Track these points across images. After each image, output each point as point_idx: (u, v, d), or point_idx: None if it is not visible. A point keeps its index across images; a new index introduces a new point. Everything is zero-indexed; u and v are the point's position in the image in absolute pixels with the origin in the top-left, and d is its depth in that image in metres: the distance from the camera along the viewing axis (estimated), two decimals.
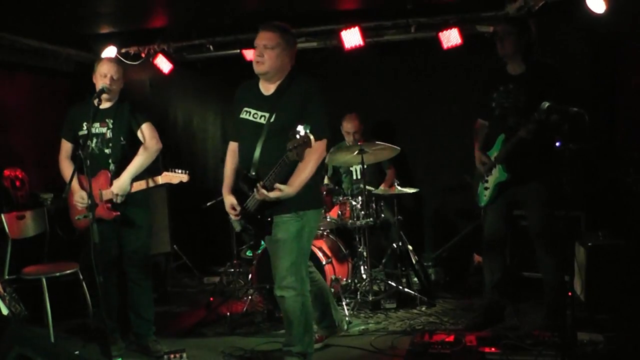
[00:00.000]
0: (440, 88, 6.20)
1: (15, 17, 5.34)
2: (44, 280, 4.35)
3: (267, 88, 3.55)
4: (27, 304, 4.44)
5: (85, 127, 4.02)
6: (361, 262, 5.29)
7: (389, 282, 5.20)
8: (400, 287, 5.10)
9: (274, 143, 3.36)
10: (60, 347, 4.07)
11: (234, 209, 3.54)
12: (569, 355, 3.22)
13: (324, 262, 4.86)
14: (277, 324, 4.58)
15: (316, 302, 3.92)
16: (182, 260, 6.53)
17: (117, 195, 3.99)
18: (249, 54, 5.77)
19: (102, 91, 3.84)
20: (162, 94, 7.05)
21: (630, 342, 3.78)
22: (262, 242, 3.76)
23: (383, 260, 5.60)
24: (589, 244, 4.45)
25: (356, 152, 4.95)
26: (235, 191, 3.58)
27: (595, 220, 4.93)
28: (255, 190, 3.35)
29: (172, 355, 3.99)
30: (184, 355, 3.99)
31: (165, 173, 4.12)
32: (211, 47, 6.41)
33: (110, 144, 4.05)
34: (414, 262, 5.30)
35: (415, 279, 5.38)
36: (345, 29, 5.89)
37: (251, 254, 5.21)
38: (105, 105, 4.03)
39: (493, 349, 3.62)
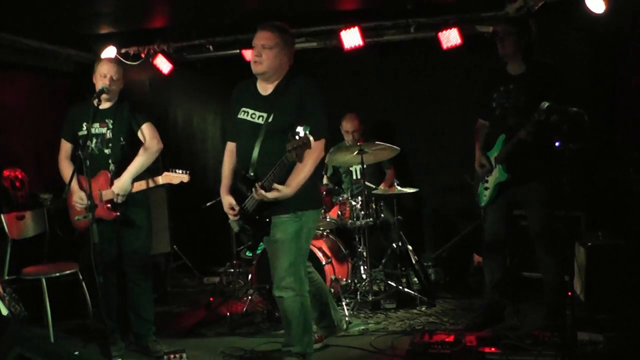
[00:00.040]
0: (440, 88, 6.20)
1: (15, 17, 5.34)
2: (43, 280, 4.36)
3: (265, 88, 3.54)
4: (26, 304, 4.44)
5: (85, 128, 4.02)
6: (361, 262, 5.29)
7: (389, 282, 5.21)
8: (400, 287, 5.09)
9: (273, 143, 3.36)
10: (60, 347, 4.06)
11: (232, 209, 3.53)
12: (569, 355, 3.22)
13: (323, 262, 4.86)
14: (276, 324, 4.58)
15: (315, 302, 3.92)
16: (182, 260, 6.53)
17: (117, 195, 3.98)
18: (248, 54, 5.76)
19: (102, 91, 3.83)
20: (161, 94, 7.05)
21: (630, 342, 3.78)
22: (261, 243, 3.75)
23: (383, 261, 5.60)
24: (589, 244, 4.45)
25: (356, 152, 4.95)
26: (233, 192, 3.57)
27: (595, 220, 4.93)
28: (253, 190, 3.35)
29: (172, 356, 3.99)
30: (184, 355, 3.99)
31: (165, 173, 4.12)
32: (211, 47, 6.42)
33: (110, 144, 4.05)
34: (413, 262, 5.29)
35: (415, 279, 5.38)
36: (345, 29, 5.89)
37: (251, 255, 5.21)
38: (105, 105, 4.03)
39: (493, 349, 3.62)
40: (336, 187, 5.66)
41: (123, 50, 6.47)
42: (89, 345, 4.39)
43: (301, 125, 3.12)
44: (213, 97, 6.94)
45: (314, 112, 3.39)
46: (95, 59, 4.40)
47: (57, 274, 4.45)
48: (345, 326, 4.46)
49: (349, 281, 5.21)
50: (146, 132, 4.08)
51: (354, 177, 5.81)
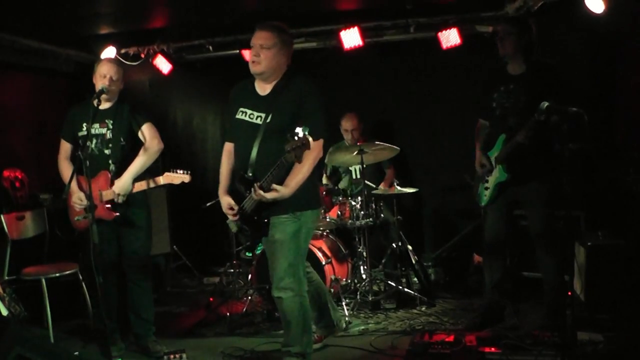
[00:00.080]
0: (440, 88, 6.21)
1: (15, 17, 5.34)
2: (43, 280, 4.36)
3: (263, 88, 3.53)
4: (26, 304, 4.44)
5: (84, 128, 4.02)
6: (361, 262, 5.29)
7: (389, 282, 5.21)
8: (400, 287, 5.10)
9: (271, 143, 3.35)
10: (60, 347, 4.07)
11: (231, 209, 3.53)
12: (568, 355, 3.21)
13: (323, 263, 4.86)
14: (276, 324, 4.58)
15: (314, 302, 3.91)
16: (181, 260, 6.53)
17: (118, 195, 3.98)
18: (248, 55, 5.75)
19: (102, 92, 3.83)
20: (161, 95, 7.05)
21: (630, 342, 3.78)
22: (260, 245, 3.74)
23: (383, 261, 5.60)
24: (589, 244, 4.45)
25: (356, 153, 4.95)
26: (231, 192, 3.57)
27: (595, 220, 4.93)
28: (252, 190, 3.34)
29: (172, 356, 3.99)
30: (184, 355, 3.99)
31: (167, 173, 4.11)
32: (211, 48, 6.42)
33: (110, 145, 4.04)
34: (413, 262, 5.29)
35: (415, 279, 5.38)
36: (345, 29, 5.89)
37: (250, 255, 5.20)
38: (104, 105, 4.03)
39: (493, 349, 3.62)
40: (336, 187, 5.66)
41: (123, 51, 6.46)
42: (89, 345, 4.40)
43: (300, 126, 3.11)
44: (213, 98, 6.94)
45: (313, 112, 3.39)
46: (95, 59, 4.40)
47: (57, 275, 4.45)
48: (344, 325, 4.47)
49: (349, 281, 5.21)
50: (146, 132, 4.08)
51: (354, 176, 5.82)
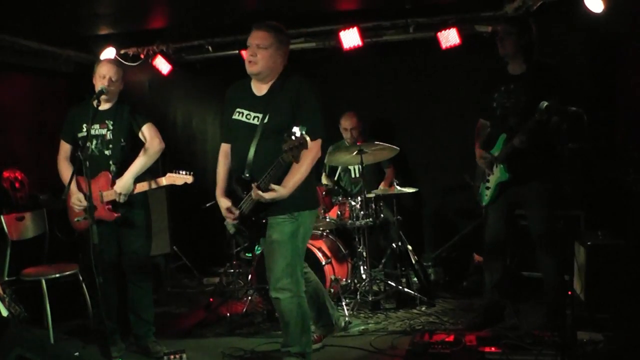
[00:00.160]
0: (440, 88, 6.21)
1: (15, 18, 5.34)
2: (43, 281, 4.35)
3: (260, 88, 3.52)
4: (27, 305, 4.44)
5: (84, 129, 4.02)
6: (361, 262, 5.29)
7: (389, 282, 5.21)
8: (400, 287, 5.10)
9: (268, 144, 3.35)
10: (60, 348, 4.08)
11: (230, 211, 3.52)
12: (568, 355, 3.22)
13: (323, 263, 4.86)
14: (276, 324, 4.56)
15: (312, 302, 3.91)
16: (181, 261, 6.53)
17: (120, 194, 3.98)
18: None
19: (101, 92, 3.82)
20: (161, 95, 7.05)
21: (630, 342, 3.78)
22: (258, 245, 3.74)
23: (383, 261, 5.60)
24: (589, 244, 4.45)
25: (355, 153, 4.95)
26: (229, 193, 3.56)
27: (595, 220, 4.93)
28: (250, 191, 3.33)
29: (172, 356, 3.99)
30: (184, 356, 3.99)
31: (169, 174, 4.10)
32: (210, 48, 6.42)
33: (111, 146, 4.04)
34: (413, 262, 5.29)
35: (415, 279, 5.38)
36: (344, 29, 5.89)
37: (250, 255, 5.21)
38: (104, 106, 4.03)
39: (493, 349, 3.62)
40: (335, 187, 5.66)
41: (122, 51, 6.46)
42: (89, 346, 4.39)
43: (297, 126, 3.11)
44: (212, 98, 6.94)
45: (310, 112, 3.38)
46: (94, 59, 4.41)
47: (57, 275, 4.45)
48: (343, 324, 4.46)
49: (349, 281, 5.21)
50: (147, 132, 4.08)
51: (353, 175, 5.82)
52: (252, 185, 3.30)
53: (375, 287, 5.25)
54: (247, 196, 3.40)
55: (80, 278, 4.56)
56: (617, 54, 5.23)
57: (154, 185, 4.12)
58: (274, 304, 3.57)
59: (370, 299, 4.97)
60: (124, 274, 4.20)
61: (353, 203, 5.15)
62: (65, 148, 4.17)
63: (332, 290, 4.89)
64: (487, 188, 4.28)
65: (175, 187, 4.16)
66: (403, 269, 5.28)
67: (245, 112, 3.50)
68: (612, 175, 4.99)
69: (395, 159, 5.49)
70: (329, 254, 5.02)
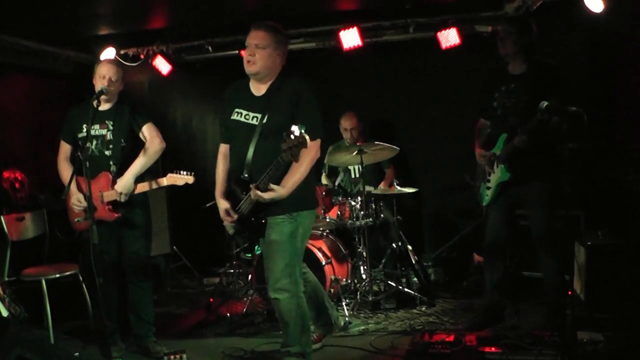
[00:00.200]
0: (440, 88, 6.21)
1: (14, 19, 5.34)
2: (43, 281, 4.35)
3: (258, 88, 3.52)
4: (27, 305, 4.44)
5: (84, 129, 4.02)
6: (361, 263, 5.29)
7: (389, 282, 5.21)
8: (400, 287, 5.10)
9: (267, 144, 3.34)
10: (60, 348, 4.08)
11: (228, 214, 3.52)
12: (568, 355, 3.21)
13: (323, 263, 4.86)
14: (276, 324, 4.55)
15: (311, 302, 3.90)
16: (181, 261, 6.53)
17: (121, 193, 3.98)
18: None
19: (101, 92, 3.82)
20: (161, 96, 7.06)
21: (630, 342, 3.78)
22: (257, 246, 3.73)
23: (383, 261, 5.60)
24: (589, 244, 4.45)
25: (355, 152, 4.95)
26: (228, 194, 3.56)
27: (595, 220, 4.93)
28: (251, 190, 3.32)
29: (172, 356, 3.98)
30: (184, 356, 3.98)
31: (170, 175, 4.10)
32: (210, 48, 6.42)
33: (111, 146, 4.04)
34: (413, 262, 5.29)
35: (415, 279, 5.38)
36: (344, 29, 5.89)
37: (250, 255, 5.21)
38: (104, 106, 4.03)
39: (493, 349, 3.62)
40: (335, 187, 5.66)
41: (122, 52, 6.47)
42: (89, 346, 4.39)
43: (296, 125, 3.10)
44: (212, 98, 6.92)
45: (309, 112, 3.37)
46: (94, 60, 4.41)
47: (57, 275, 4.45)
48: (342, 323, 4.46)
49: (349, 281, 5.21)
50: (147, 132, 4.08)
51: (353, 175, 5.82)
52: (251, 186, 3.30)
53: (375, 287, 5.25)
54: (246, 197, 3.40)
55: (81, 278, 4.56)
56: (617, 54, 5.23)
57: (154, 186, 4.12)
58: (273, 304, 3.56)
59: (370, 299, 4.97)
60: (124, 274, 4.20)
61: (353, 203, 5.15)
62: (65, 148, 4.17)
63: (332, 290, 4.89)
64: (488, 188, 4.28)
65: (175, 187, 4.16)
66: (403, 269, 5.28)
67: (244, 112, 3.49)
68: (612, 175, 4.99)
69: (395, 159, 5.49)
70: (329, 254, 5.02)
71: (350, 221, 5.16)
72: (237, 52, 6.21)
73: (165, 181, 4.10)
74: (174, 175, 4.10)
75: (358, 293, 5.06)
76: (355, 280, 5.23)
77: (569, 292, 3.44)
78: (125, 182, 3.99)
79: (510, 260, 4.78)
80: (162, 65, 6.50)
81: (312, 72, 5.67)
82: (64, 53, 6.37)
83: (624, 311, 4.17)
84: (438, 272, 5.81)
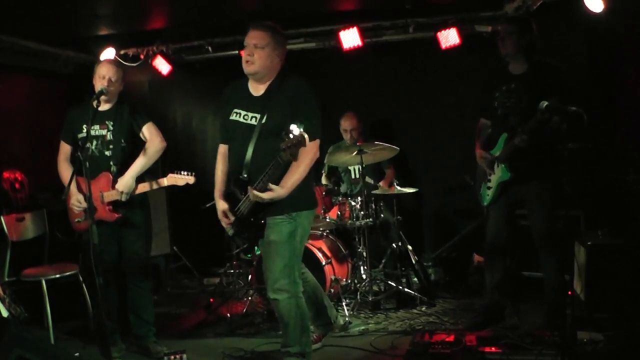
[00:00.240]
0: (440, 88, 6.21)
1: (14, 19, 5.34)
2: (43, 282, 4.35)
3: (257, 89, 3.51)
4: (27, 305, 4.44)
5: (84, 129, 4.02)
6: (361, 263, 5.29)
7: (389, 282, 5.21)
8: (400, 287, 5.09)
9: (266, 144, 3.34)
10: (60, 348, 4.08)
11: (225, 215, 3.51)
12: (569, 355, 3.21)
13: (323, 263, 4.86)
14: (276, 324, 4.55)
15: (310, 302, 3.90)
16: (181, 261, 6.52)
17: (122, 193, 3.98)
18: None
19: (101, 93, 3.83)
20: (161, 96, 7.05)
21: (630, 342, 3.78)
22: (257, 247, 3.73)
23: (383, 261, 5.60)
24: (589, 244, 4.45)
25: (355, 153, 4.95)
26: (227, 195, 3.55)
27: (595, 220, 4.93)
28: (249, 191, 3.31)
29: (172, 357, 3.98)
30: (184, 356, 3.98)
31: (170, 175, 4.10)
32: (210, 49, 6.42)
33: (111, 146, 4.05)
34: (413, 262, 5.29)
35: (415, 279, 5.38)
36: (344, 29, 5.89)
37: (250, 256, 5.21)
38: (104, 107, 4.03)
39: (493, 349, 3.62)
40: (335, 187, 5.66)
41: (122, 52, 6.47)
42: (89, 346, 4.39)
43: (295, 124, 3.09)
44: (212, 98, 6.92)
45: (308, 112, 3.35)
46: (94, 60, 4.41)
47: (57, 276, 4.45)
48: (341, 322, 4.46)
49: (349, 281, 5.21)
50: (148, 131, 4.09)
51: (353, 176, 5.82)
52: (249, 188, 3.29)
53: (375, 287, 5.25)
54: (245, 197, 3.40)
55: (81, 278, 4.56)
56: (617, 54, 5.23)
57: (155, 186, 4.12)
58: (273, 304, 3.56)
59: (370, 299, 4.97)
60: (124, 275, 4.20)
61: (353, 203, 5.15)
62: (65, 149, 4.18)
63: (332, 290, 4.89)
64: (489, 188, 4.28)
65: (175, 188, 4.16)
66: (403, 269, 5.28)
67: (243, 112, 3.49)
68: (612, 175, 4.99)
69: (395, 159, 5.49)
70: (329, 254, 5.02)
71: (350, 221, 5.16)
72: (237, 52, 6.21)
73: (166, 181, 4.10)
74: (175, 175, 4.10)
75: (358, 293, 5.06)
76: (356, 281, 5.23)
77: (569, 292, 3.44)
78: (126, 181, 4.00)
79: (510, 260, 4.78)
80: (162, 66, 6.50)
81: (312, 72, 5.66)
82: (64, 53, 6.37)
83: (624, 311, 4.17)
84: (438, 272, 5.81)
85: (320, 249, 4.94)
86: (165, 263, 6.24)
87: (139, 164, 4.04)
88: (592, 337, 3.71)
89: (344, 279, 5.15)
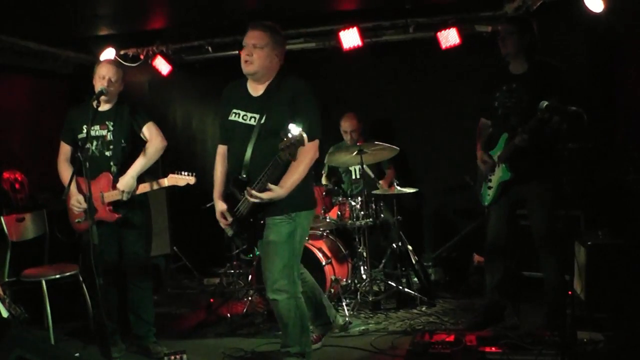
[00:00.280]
0: (440, 88, 6.20)
1: (14, 19, 5.34)
2: (43, 282, 4.36)
3: (256, 89, 3.51)
4: (27, 306, 4.42)
5: (84, 130, 4.02)
6: (361, 263, 5.29)
7: (389, 282, 5.21)
8: (400, 287, 5.09)
9: (265, 144, 3.33)
10: (60, 349, 4.08)
11: (224, 217, 3.51)
12: (569, 355, 3.21)
13: (323, 263, 4.86)
14: (277, 324, 4.51)
15: (309, 302, 3.90)
16: (182, 261, 6.52)
17: (123, 192, 3.98)
18: None
19: (101, 93, 3.83)
20: (161, 96, 7.05)
21: (630, 342, 3.78)
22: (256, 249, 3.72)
23: (383, 261, 5.59)
24: (589, 243, 4.45)
25: (355, 153, 4.95)
26: (226, 196, 3.54)
27: (595, 220, 4.93)
28: (246, 192, 3.31)
29: (172, 357, 3.98)
30: (184, 356, 3.98)
31: (171, 175, 4.10)
32: (210, 49, 6.42)
33: (111, 147, 4.05)
34: (413, 262, 5.29)
35: (415, 279, 5.38)
36: (344, 29, 5.89)
37: (250, 256, 5.21)
38: (104, 107, 4.03)
39: (493, 349, 3.61)
40: (336, 188, 5.66)
41: (122, 52, 6.46)
42: (89, 346, 4.40)
43: (294, 124, 3.08)
44: (212, 98, 6.91)
45: (307, 112, 3.35)
46: (94, 60, 4.41)
47: (57, 276, 4.45)
48: (341, 322, 4.46)
49: (349, 281, 5.21)
50: (149, 131, 4.09)
51: (353, 176, 5.82)
52: (247, 188, 3.28)
53: (375, 287, 5.25)
54: (244, 198, 3.39)
55: (81, 279, 4.56)
56: (617, 53, 5.23)
57: (156, 186, 4.12)
58: (272, 305, 3.56)
59: (370, 299, 4.97)
60: (124, 275, 4.20)
61: (353, 203, 5.15)
62: (65, 149, 4.18)
63: (332, 290, 4.89)
64: (490, 188, 4.28)
65: (175, 188, 4.17)
66: (403, 269, 5.28)
67: (242, 112, 3.48)
68: (612, 175, 4.99)
69: (396, 159, 5.49)
70: (329, 254, 5.02)
71: (350, 221, 5.16)
72: (237, 52, 6.19)
73: (166, 182, 4.10)
74: (176, 175, 4.10)
75: (358, 293, 5.06)
76: (356, 281, 5.23)
77: (569, 292, 3.43)
78: (127, 180, 4.00)
79: (510, 260, 4.78)
80: (162, 66, 6.50)
81: (312, 72, 5.67)
82: (64, 53, 6.36)
83: (624, 311, 4.17)
84: (438, 272, 5.81)
85: (320, 249, 4.94)
86: (165, 263, 6.24)
87: (140, 164, 4.04)
88: (592, 337, 3.71)
89: (344, 279, 5.15)
